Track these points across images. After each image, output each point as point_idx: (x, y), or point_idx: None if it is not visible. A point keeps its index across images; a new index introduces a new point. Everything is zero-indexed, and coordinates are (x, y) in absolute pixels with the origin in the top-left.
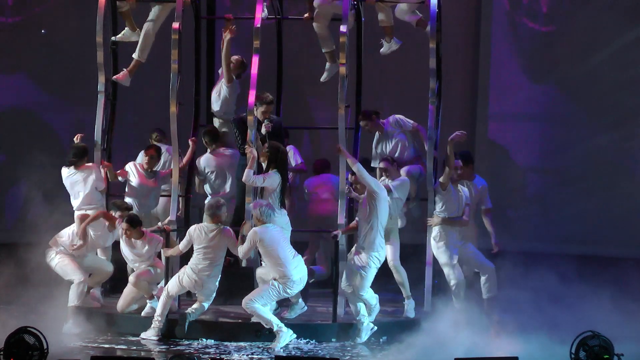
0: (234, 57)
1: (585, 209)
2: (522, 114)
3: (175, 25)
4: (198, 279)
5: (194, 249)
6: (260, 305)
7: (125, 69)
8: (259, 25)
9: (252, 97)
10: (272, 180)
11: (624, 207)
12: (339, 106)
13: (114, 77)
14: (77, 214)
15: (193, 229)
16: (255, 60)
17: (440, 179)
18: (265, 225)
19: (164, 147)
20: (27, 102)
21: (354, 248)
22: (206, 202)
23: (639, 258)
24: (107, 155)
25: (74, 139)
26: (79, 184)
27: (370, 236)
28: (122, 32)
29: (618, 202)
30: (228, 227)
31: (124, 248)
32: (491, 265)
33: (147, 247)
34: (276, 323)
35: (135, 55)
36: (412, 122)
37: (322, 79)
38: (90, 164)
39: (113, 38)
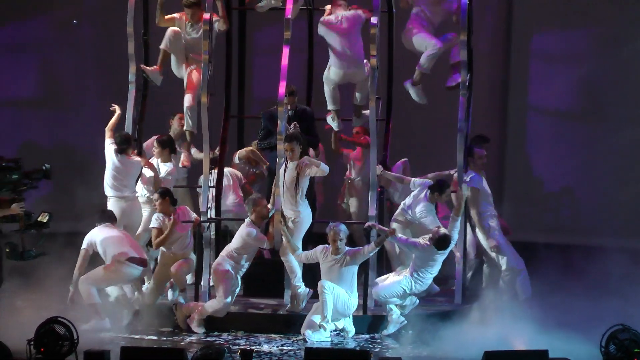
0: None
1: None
2: (556, 107)
3: (206, 15)
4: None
5: None
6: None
7: (156, 66)
8: (289, 16)
9: (282, 88)
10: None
11: None
12: (369, 98)
13: (142, 66)
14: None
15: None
16: (285, 51)
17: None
18: None
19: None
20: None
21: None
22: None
23: None
24: (138, 146)
25: (111, 108)
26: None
27: (413, 262)
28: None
29: None
30: (253, 226)
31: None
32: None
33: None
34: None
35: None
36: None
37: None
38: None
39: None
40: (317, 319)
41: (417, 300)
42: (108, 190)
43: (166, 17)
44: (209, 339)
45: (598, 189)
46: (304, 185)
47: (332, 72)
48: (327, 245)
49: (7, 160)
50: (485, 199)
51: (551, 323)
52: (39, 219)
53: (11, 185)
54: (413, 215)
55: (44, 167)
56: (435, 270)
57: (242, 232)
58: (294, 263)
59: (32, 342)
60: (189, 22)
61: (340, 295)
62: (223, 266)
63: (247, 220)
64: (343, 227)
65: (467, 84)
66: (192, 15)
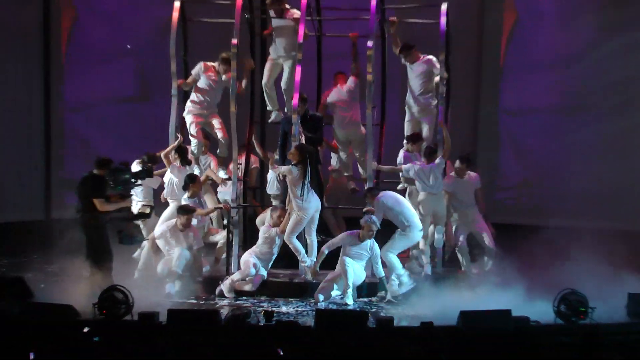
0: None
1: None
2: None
3: (234, 41)
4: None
5: None
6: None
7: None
8: (302, 41)
9: (295, 99)
10: (292, 172)
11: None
12: (367, 106)
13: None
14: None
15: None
16: (298, 70)
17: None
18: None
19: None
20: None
21: None
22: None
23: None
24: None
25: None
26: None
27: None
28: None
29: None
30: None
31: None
32: (493, 247)
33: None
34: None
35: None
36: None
37: None
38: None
39: None
40: (334, 287)
41: (415, 283)
42: (170, 198)
43: (189, 81)
44: (238, 302)
45: (559, 178)
46: (299, 185)
47: (337, 132)
48: (352, 232)
49: (119, 163)
50: (458, 199)
51: (515, 289)
52: (140, 211)
53: (123, 183)
54: (433, 187)
55: (145, 168)
56: (409, 216)
57: (260, 233)
58: (296, 244)
59: (97, 306)
60: (219, 77)
61: (356, 270)
62: (247, 255)
63: (266, 223)
64: (375, 218)
65: (444, 95)
66: (224, 71)
